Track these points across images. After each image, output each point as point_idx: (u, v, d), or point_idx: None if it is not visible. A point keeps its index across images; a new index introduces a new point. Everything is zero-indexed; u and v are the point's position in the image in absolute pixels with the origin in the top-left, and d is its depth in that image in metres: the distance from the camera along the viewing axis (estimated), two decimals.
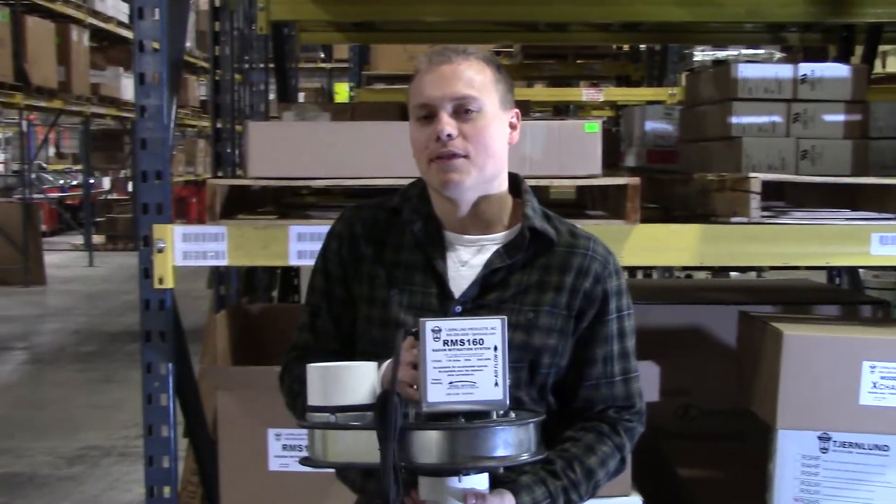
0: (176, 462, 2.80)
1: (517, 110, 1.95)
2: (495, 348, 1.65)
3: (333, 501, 2.72)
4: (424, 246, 1.91)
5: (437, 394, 1.64)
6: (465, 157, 1.84)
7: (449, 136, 1.82)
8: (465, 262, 1.91)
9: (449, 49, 1.88)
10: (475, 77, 1.85)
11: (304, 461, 1.75)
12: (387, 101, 6.90)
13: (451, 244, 1.92)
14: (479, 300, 1.88)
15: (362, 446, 1.68)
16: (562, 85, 10.57)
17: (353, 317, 1.97)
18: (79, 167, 18.66)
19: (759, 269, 8.49)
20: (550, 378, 1.91)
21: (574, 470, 1.86)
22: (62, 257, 15.03)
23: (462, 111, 1.84)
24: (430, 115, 1.85)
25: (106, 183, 19.05)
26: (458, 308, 1.87)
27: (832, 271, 5.00)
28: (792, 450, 2.62)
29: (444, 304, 1.88)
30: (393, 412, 1.61)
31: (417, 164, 1.90)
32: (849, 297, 4.03)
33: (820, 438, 2.61)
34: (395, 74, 8.12)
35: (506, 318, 1.67)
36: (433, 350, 1.64)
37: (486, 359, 1.65)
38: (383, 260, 1.94)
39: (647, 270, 7.71)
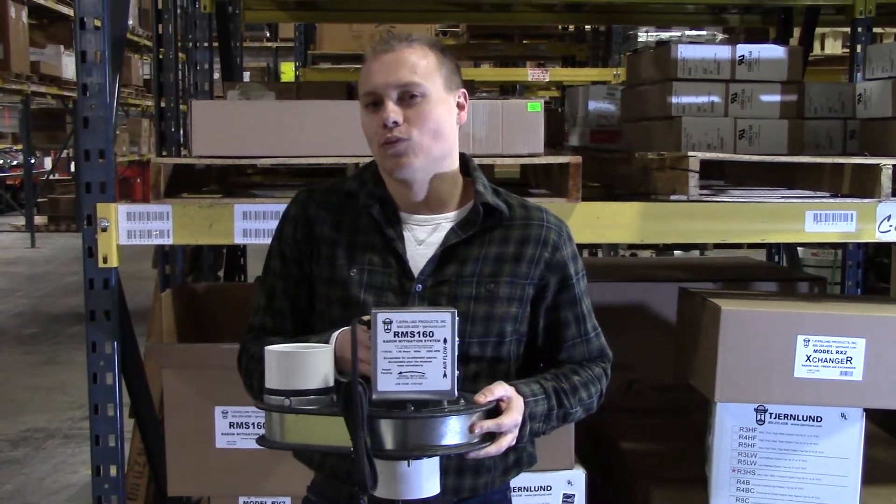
0: (122, 441, 2.80)
1: (464, 90, 1.99)
2: (445, 340, 1.68)
3: (280, 478, 2.75)
4: (382, 228, 1.96)
5: (387, 383, 1.68)
6: (410, 140, 1.88)
7: (395, 122, 1.87)
8: (422, 241, 1.96)
9: (392, 37, 1.93)
10: (418, 63, 1.89)
11: (260, 441, 1.78)
12: (333, 80, 6.89)
13: (407, 224, 1.97)
14: (437, 276, 1.93)
15: (317, 429, 1.71)
16: (508, 65, 10.63)
17: (309, 297, 2.01)
18: (19, 147, 18.30)
19: (701, 248, 8.62)
20: (512, 347, 1.97)
21: (561, 379, 1.95)
22: (3, 238, 14.77)
23: (407, 97, 1.88)
24: (377, 103, 1.90)
25: (47, 163, 18.72)
26: (419, 287, 1.92)
27: (771, 249, 5.10)
28: (729, 422, 2.67)
29: (404, 283, 1.93)
30: (359, 402, 1.64)
31: (370, 149, 1.95)
32: (787, 274, 4.11)
33: (756, 411, 2.67)
34: (341, 54, 8.10)
35: (456, 311, 1.70)
36: (384, 341, 1.67)
37: (436, 350, 1.68)
38: (341, 241, 1.97)
39: (593, 249, 7.80)
